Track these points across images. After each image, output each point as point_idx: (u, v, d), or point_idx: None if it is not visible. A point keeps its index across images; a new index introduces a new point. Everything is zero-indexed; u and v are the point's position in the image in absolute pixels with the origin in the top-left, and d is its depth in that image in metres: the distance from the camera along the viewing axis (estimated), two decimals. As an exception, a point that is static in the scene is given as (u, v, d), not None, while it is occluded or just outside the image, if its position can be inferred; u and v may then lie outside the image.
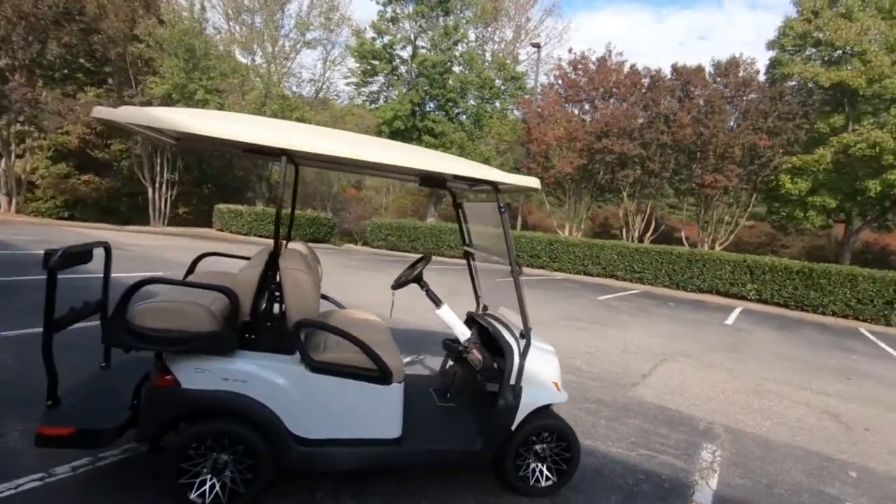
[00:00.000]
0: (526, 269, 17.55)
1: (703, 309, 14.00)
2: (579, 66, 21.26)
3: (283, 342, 2.48)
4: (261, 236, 18.74)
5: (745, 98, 17.19)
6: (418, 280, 3.02)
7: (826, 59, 18.06)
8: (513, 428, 2.66)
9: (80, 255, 2.38)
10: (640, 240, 21.09)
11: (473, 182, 2.84)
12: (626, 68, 20.47)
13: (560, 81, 21.90)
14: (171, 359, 2.31)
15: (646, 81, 19.97)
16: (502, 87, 23.33)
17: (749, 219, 21.49)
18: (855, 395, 6.48)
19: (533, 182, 2.75)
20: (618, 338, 8.24)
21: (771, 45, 22.29)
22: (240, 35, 22.09)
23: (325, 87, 25.81)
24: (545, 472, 2.80)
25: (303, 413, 2.41)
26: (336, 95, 27.65)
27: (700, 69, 19.40)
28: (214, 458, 2.31)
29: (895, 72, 15.80)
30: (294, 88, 24.74)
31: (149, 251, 12.19)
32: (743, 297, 16.50)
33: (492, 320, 3.13)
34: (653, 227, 21.97)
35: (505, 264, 2.80)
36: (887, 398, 6.56)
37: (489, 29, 24.88)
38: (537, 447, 2.77)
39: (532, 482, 2.77)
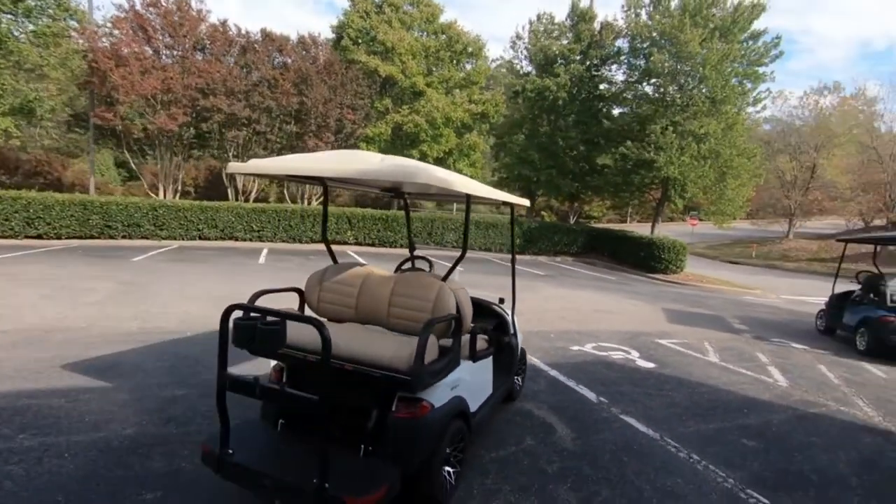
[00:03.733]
0: (125, 242, 15.71)
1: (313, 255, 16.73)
2: (151, 4, 19.16)
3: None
4: None
5: (331, 75, 20.40)
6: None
7: (379, 52, 23.48)
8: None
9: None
10: (252, 199, 22.03)
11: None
12: (214, 20, 20.01)
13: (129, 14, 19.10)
14: None
15: (241, 42, 20.35)
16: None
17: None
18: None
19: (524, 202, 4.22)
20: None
21: (337, 30, 26.53)
22: None
23: None
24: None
25: (472, 394, 3.28)
26: None
27: (286, 38, 21.27)
28: (447, 453, 2.95)
29: (420, 72, 22.40)
30: None
31: None
32: (345, 243, 20.24)
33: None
34: (256, 185, 23.21)
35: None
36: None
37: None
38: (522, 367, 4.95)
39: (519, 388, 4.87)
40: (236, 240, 18.55)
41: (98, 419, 3.76)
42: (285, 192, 23.55)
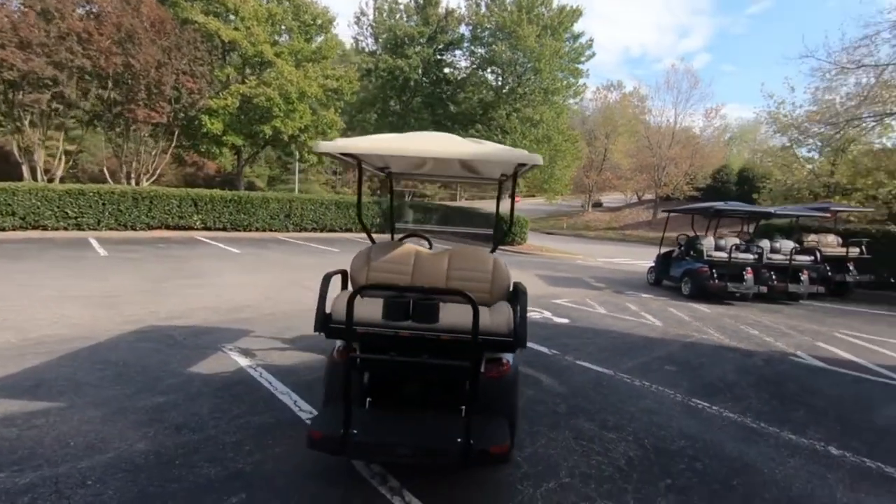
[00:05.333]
0: None
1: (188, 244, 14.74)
2: None
3: None
4: None
5: (163, 35, 17.48)
6: None
7: (220, 13, 20.84)
8: None
9: None
10: (58, 179, 17.99)
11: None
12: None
13: None
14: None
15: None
16: None
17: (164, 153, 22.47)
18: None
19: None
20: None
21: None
22: None
23: None
24: None
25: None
26: None
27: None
28: None
29: (266, 41, 20.66)
30: None
31: None
32: (191, 228, 18.04)
33: None
34: (63, 162, 19.06)
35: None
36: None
37: None
38: None
39: None
40: (45, 229, 15.21)
41: (88, 441, 3.17)
42: (105, 170, 19.72)
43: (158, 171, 20.78)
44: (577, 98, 28.38)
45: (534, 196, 53.98)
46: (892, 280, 12.56)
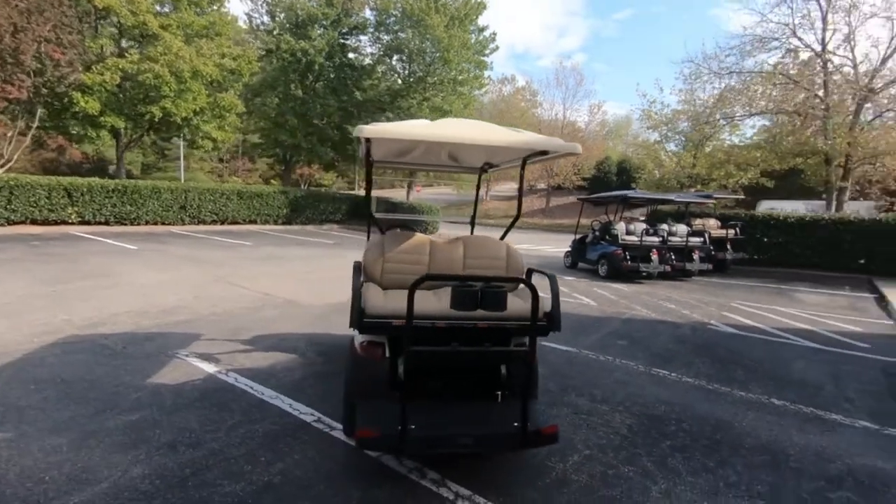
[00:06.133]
0: None
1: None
2: None
3: None
4: None
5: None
6: None
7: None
8: None
9: None
10: None
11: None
12: None
13: None
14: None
15: None
16: None
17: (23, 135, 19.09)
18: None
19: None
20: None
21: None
22: None
23: None
24: None
25: None
26: None
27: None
28: None
29: (150, 10, 18.31)
30: None
31: None
32: (65, 222, 15.65)
33: None
34: None
35: None
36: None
37: None
38: None
39: None
40: None
41: (67, 473, 2.69)
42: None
43: (15, 157, 17.58)
44: (482, 90, 29.19)
45: (432, 186, 54.78)
46: (756, 257, 14.82)
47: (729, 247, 13.77)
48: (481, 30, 25.99)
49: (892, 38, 16.77)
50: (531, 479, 2.94)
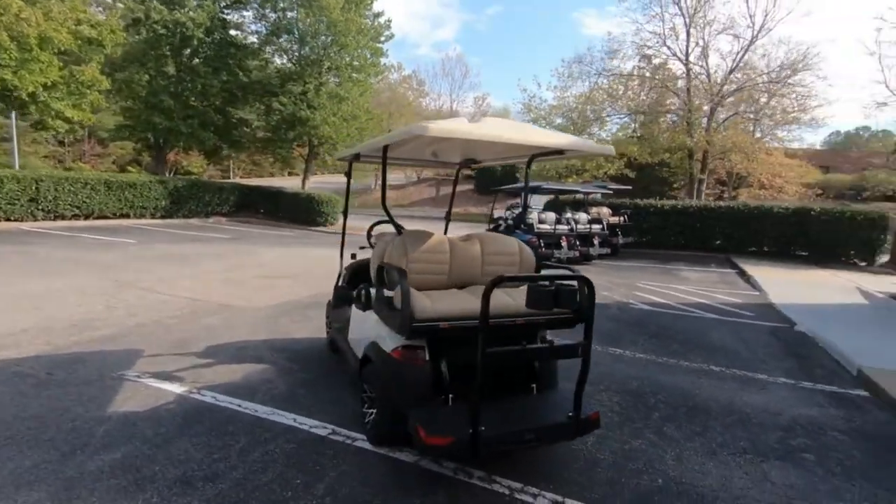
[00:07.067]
0: None
1: None
2: None
3: None
4: None
5: None
6: None
7: None
8: None
9: None
10: None
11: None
12: None
13: None
14: None
15: None
16: None
17: None
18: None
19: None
20: None
21: None
22: None
23: None
24: None
25: None
26: None
27: None
28: None
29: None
30: None
31: None
32: None
33: None
34: None
35: None
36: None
37: None
38: None
39: None
40: None
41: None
42: None
43: None
44: (377, 77, 28.63)
45: (316, 174, 52.84)
46: (640, 240, 16.75)
47: (619, 232, 15.37)
48: (377, 15, 25.40)
49: (737, 53, 19.91)
50: (567, 463, 3.10)
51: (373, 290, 3.52)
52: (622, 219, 15.54)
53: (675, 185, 29.28)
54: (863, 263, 14.29)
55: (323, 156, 25.25)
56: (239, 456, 2.93)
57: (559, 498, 2.72)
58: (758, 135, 22.71)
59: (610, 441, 3.42)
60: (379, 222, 4.84)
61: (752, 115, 21.39)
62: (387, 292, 3.17)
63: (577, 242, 12.92)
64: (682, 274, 12.10)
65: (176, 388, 3.83)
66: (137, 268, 8.89)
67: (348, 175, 4.80)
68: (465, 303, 2.96)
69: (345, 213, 4.94)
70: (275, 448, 3.05)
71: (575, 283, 2.72)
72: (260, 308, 6.53)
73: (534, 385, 3.20)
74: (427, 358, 2.94)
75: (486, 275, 3.49)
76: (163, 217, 19.65)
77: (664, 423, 3.76)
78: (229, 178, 52.41)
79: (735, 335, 6.50)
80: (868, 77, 43.92)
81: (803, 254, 15.18)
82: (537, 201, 21.00)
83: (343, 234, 4.99)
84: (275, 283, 8.29)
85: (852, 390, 4.71)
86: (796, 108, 20.67)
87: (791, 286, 10.32)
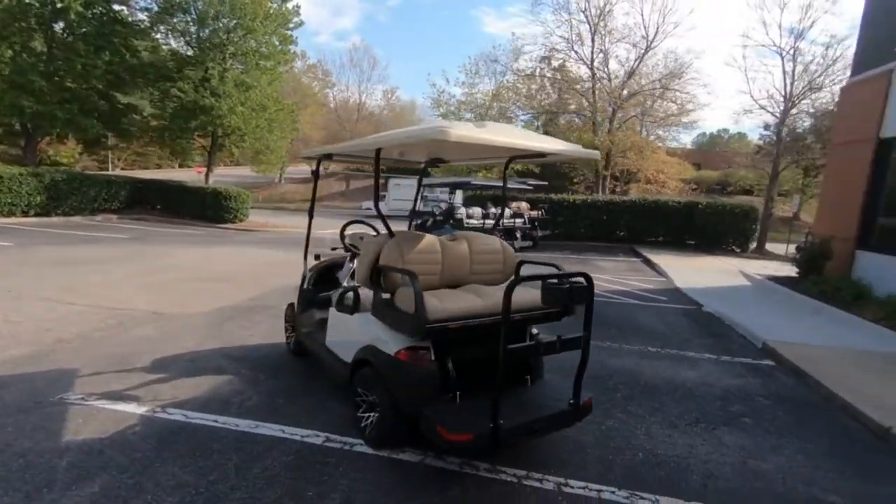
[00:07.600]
0: None
1: None
2: None
3: None
4: None
5: None
6: None
7: None
8: None
9: None
10: None
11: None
12: None
13: None
14: None
15: None
16: None
17: None
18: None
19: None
20: None
21: None
22: None
23: None
24: None
25: None
26: None
27: None
28: None
29: None
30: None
31: None
32: None
33: None
34: None
35: None
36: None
37: None
38: None
39: None
40: None
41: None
42: None
43: None
44: (286, 66, 27.20)
45: (224, 165, 49.24)
46: (554, 232, 17.83)
47: (538, 225, 16.24)
48: (284, 0, 24.13)
49: (634, 60, 21.84)
50: (560, 448, 3.33)
51: (363, 293, 3.47)
52: (540, 213, 16.43)
53: (575, 181, 31.42)
54: (738, 250, 16.52)
55: (229, 147, 23.57)
56: (237, 474, 2.77)
57: (562, 480, 2.93)
58: (644, 134, 25.24)
59: (588, 423, 3.69)
60: (351, 222, 4.74)
61: (639, 117, 23.72)
62: (384, 294, 3.15)
63: (502, 236, 13.46)
64: (597, 263, 13.11)
65: (135, 409, 3.48)
66: (30, 274, 7.76)
67: (315, 174, 4.64)
68: (465, 302, 3.04)
69: (310, 214, 4.75)
70: (272, 462, 2.92)
71: (568, 280, 2.91)
72: (196, 315, 6.05)
73: (528, 377, 3.38)
74: (433, 357, 2.99)
75: (473, 273, 3.59)
76: (38, 215, 17.16)
77: (627, 402, 4.15)
78: (107, 169, 46.84)
79: (659, 318, 7.25)
80: (735, 87, 50.37)
81: (692, 242, 17.17)
82: (446, 196, 21.50)
83: (308, 235, 4.82)
84: (204, 286, 7.69)
85: (761, 361, 5.51)
86: (676, 112, 23.30)
87: (689, 271, 11.66)
